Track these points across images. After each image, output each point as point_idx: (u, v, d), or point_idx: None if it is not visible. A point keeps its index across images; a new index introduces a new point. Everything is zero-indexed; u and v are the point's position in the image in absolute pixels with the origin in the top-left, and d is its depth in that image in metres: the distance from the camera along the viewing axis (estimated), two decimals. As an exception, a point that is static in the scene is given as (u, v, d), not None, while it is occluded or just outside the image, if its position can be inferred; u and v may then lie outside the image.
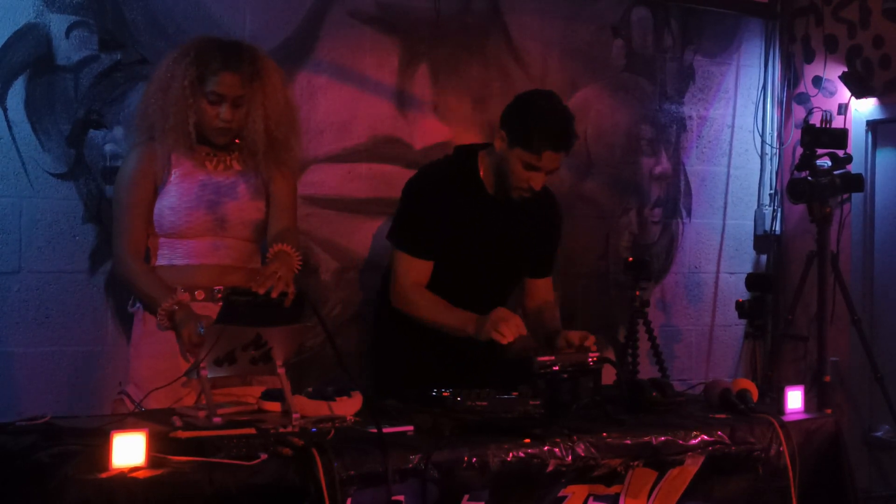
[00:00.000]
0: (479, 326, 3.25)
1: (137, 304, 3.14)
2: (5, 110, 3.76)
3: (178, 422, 2.51)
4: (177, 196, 3.08)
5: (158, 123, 3.07)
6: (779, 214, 5.75)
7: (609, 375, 3.23)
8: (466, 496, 2.48)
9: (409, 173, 3.64)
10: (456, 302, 3.39)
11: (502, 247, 3.48)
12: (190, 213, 3.07)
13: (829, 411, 4.31)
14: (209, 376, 2.59)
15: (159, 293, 2.96)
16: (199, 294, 3.06)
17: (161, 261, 3.11)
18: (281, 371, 2.68)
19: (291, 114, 3.26)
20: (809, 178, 5.03)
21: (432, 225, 3.41)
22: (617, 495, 2.72)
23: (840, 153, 5.09)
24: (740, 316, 5.59)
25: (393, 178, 4.43)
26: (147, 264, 3.09)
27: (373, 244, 4.51)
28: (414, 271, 3.42)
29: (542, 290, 3.65)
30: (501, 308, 3.25)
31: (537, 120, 3.30)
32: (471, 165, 3.48)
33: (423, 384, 2.97)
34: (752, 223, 5.77)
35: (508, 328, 3.15)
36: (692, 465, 2.82)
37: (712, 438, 2.85)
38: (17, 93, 3.78)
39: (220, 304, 2.82)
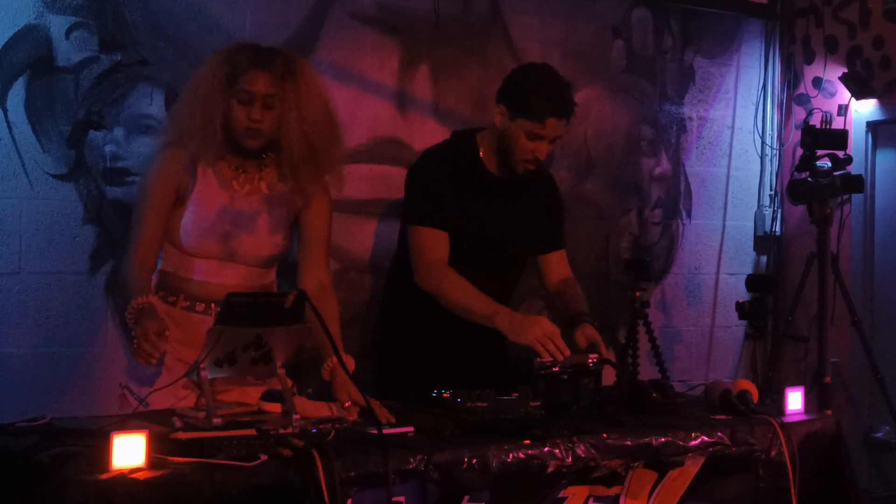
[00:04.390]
0: (510, 324, 3.16)
1: None
2: (5, 111, 3.76)
3: (178, 423, 2.51)
4: (191, 219, 2.99)
5: (185, 124, 2.96)
6: (779, 215, 5.76)
7: (609, 376, 3.23)
8: (467, 497, 2.48)
9: (410, 174, 3.64)
10: None
11: (508, 224, 3.48)
12: (200, 241, 3.00)
13: (829, 412, 4.29)
14: (209, 377, 2.59)
15: (136, 294, 2.83)
16: (200, 306, 3.03)
17: (167, 266, 3.06)
18: (281, 372, 2.67)
19: (331, 119, 3.09)
20: (809, 178, 5.03)
21: (443, 197, 3.39)
22: (617, 496, 2.72)
23: (840, 154, 5.09)
24: (740, 317, 5.59)
25: (393, 179, 4.43)
26: (147, 275, 2.98)
27: (373, 245, 4.51)
28: (435, 244, 3.36)
29: (558, 265, 3.61)
30: (545, 319, 3.15)
31: (538, 88, 3.31)
32: (471, 147, 3.48)
33: (424, 385, 2.97)
34: (753, 224, 5.77)
35: (556, 347, 3.06)
36: (692, 466, 2.82)
37: (713, 439, 2.85)
38: (17, 94, 3.77)
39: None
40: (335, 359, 2.74)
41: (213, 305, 3.01)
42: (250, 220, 3.04)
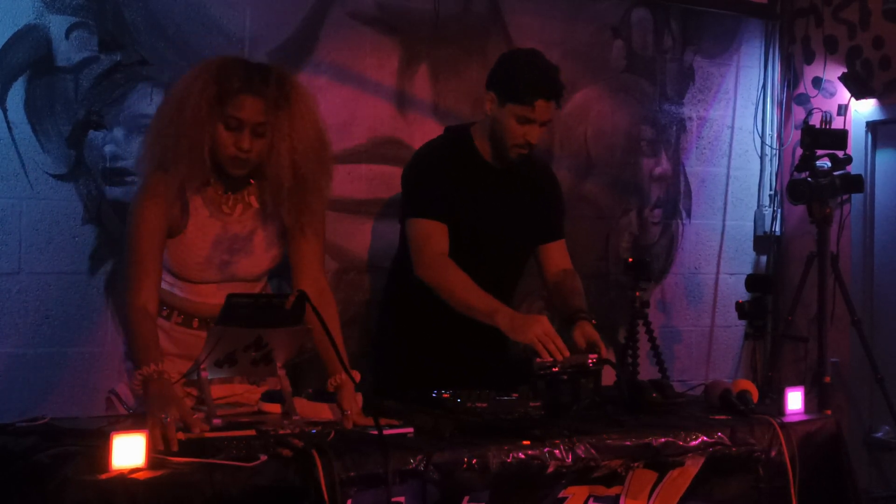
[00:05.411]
0: (511, 322, 3.15)
1: None
2: (5, 111, 3.76)
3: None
4: (188, 256, 2.88)
5: (171, 148, 2.76)
6: (779, 215, 5.76)
7: (609, 376, 3.23)
8: (466, 497, 2.48)
9: (409, 175, 3.64)
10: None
11: (506, 215, 3.47)
12: (198, 274, 2.91)
13: (829, 412, 4.31)
14: (209, 377, 2.59)
15: (145, 355, 2.62)
16: (195, 322, 2.96)
17: (163, 284, 2.92)
18: (281, 372, 2.67)
19: (322, 149, 2.91)
20: (809, 178, 5.03)
21: (440, 189, 3.39)
22: (617, 496, 2.72)
23: (840, 154, 5.09)
24: (740, 317, 5.59)
25: (393, 179, 4.43)
26: (152, 323, 2.76)
27: (372, 245, 4.51)
28: (435, 236, 3.34)
29: (558, 255, 3.60)
30: (545, 318, 3.13)
31: (525, 72, 3.33)
32: (465, 139, 3.49)
33: (424, 385, 2.97)
34: (752, 224, 5.77)
35: (556, 347, 3.05)
36: (692, 467, 2.82)
37: (712, 439, 2.85)
38: (17, 94, 3.78)
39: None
40: (343, 375, 2.69)
41: (210, 323, 2.86)
42: (246, 241, 2.94)
